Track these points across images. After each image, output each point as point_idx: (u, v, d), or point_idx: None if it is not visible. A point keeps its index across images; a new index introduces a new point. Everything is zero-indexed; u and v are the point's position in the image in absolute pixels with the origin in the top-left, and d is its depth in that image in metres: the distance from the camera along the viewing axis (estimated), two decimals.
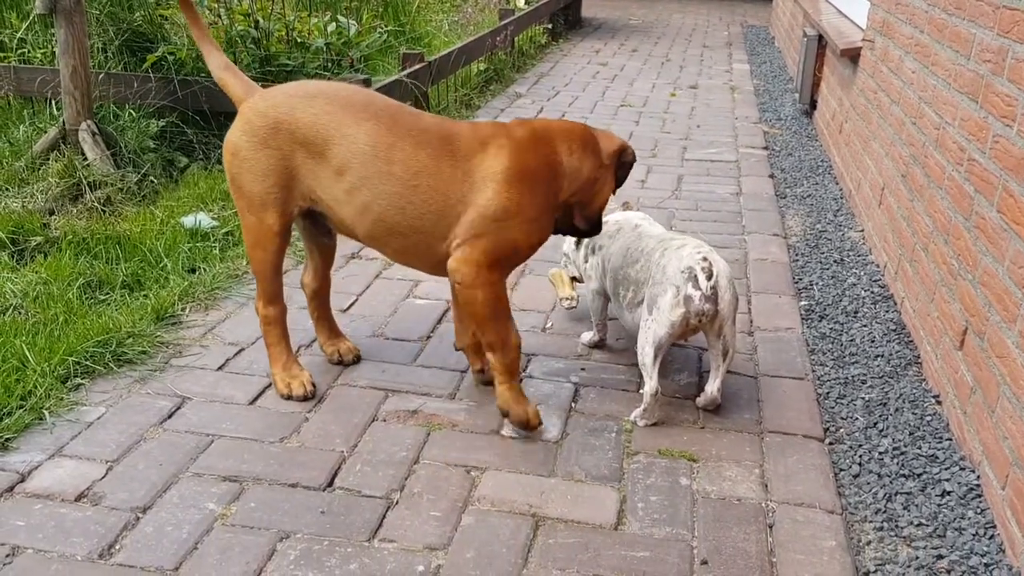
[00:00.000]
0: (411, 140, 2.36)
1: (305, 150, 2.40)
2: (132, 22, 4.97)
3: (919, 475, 2.39)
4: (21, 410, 2.45)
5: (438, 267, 2.48)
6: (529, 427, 2.47)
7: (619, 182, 2.61)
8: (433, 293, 3.35)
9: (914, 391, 2.80)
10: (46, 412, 2.47)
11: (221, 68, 2.58)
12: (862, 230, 4.14)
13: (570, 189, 2.48)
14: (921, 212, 3.17)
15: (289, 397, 2.62)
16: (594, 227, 2.65)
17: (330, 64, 5.19)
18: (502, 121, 2.43)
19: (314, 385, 2.66)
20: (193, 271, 3.39)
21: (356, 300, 3.28)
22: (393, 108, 2.44)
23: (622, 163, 2.58)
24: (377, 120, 2.37)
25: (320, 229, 2.68)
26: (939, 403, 2.73)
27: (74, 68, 4.08)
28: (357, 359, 2.86)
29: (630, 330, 2.75)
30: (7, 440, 2.35)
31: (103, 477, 2.24)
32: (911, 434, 2.58)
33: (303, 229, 2.71)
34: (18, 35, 5.14)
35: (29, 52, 5.13)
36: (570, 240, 3.11)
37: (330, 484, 2.25)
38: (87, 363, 2.70)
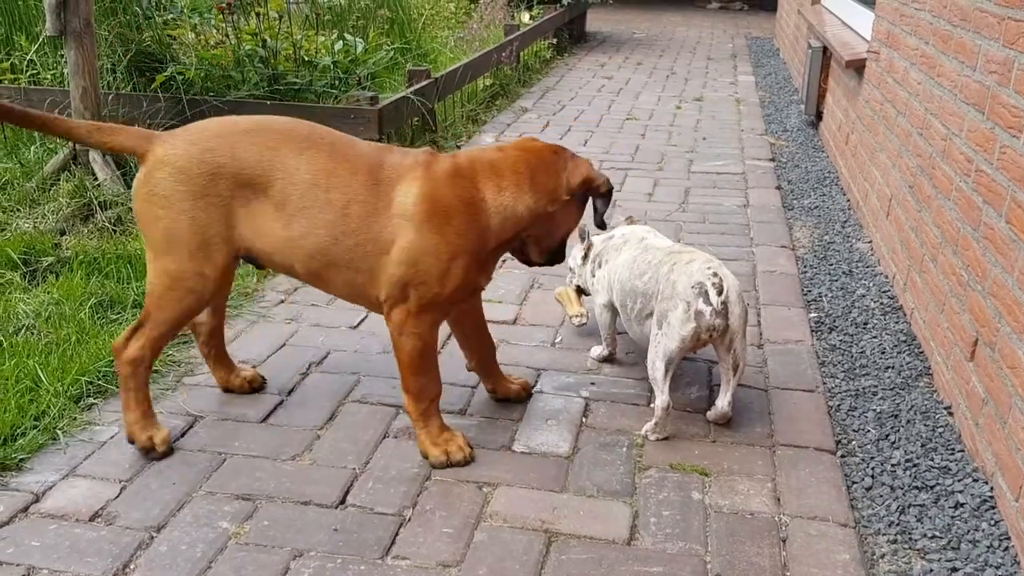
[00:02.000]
0: (348, 166, 2.27)
1: (248, 190, 2.26)
2: (141, 42, 5.01)
3: (932, 487, 2.38)
4: (35, 430, 2.47)
5: (378, 305, 2.37)
6: (451, 464, 2.39)
7: (598, 212, 2.45)
8: None
9: (925, 402, 2.79)
10: (60, 432, 2.49)
11: (94, 132, 2.33)
12: (870, 241, 4.14)
13: (506, 228, 2.32)
14: (929, 223, 3.17)
15: (151, 450, 2.39)
16: (553, 259, 2.52)
17: (337, 82, 5.22)
18: (431, 151, 2.38)
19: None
20: None
21: (366, 317, 3.29)
22: (334, 136, 2.35)
23: (596, 195, 2.41)
24: (317, 148, 2.28)
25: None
26: (951, 414, 2.72)
27: (84, 89, 4.12)
28: (263, 383, 2.78)
29: (639, 342, 2.75)
30: (21, 461, 2.36)
31: (117, 496, 2.25)
32: (923, 446, 2.57)
33: None
34: (28, 57, 5.19)
35: (39, 73, 5.18)
36: (576, 254, 3.12)
37: (342, 501, 2.26)
38: (99, 383, 2.71)
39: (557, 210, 2.37)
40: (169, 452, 2.42)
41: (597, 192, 2.41)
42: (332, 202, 2.25)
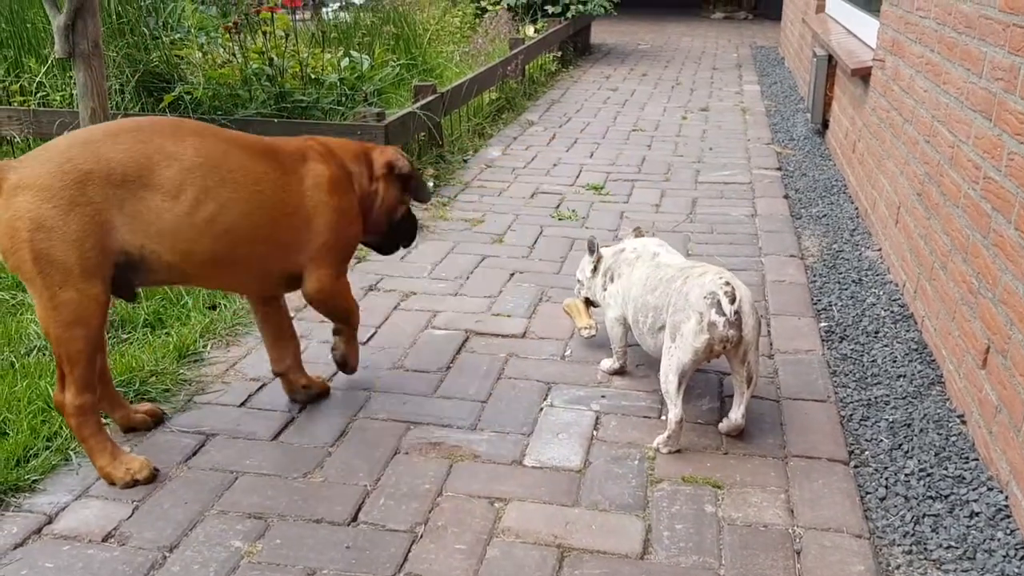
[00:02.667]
0: (241, 150, 2.39)
1: (124, 189, 2.20)
2: (149, 63, 5.06)
3: (946, 496, 2.37)
4: (47, 451, 2.48)
5: (275, 285, 2.60)
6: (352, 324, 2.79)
7: (419, 197, 2.85)
8: (452, 323, 3.37)
9: (938, 411, 2.78)
10: (72, 453, 2.49)
11: None
12: (879, 249, 4.13)
13: (360, 195, 2.69)
14: (938, 230, 3.16)
15: (135, 483, 2.35)
16: (385, 242, 2.91)
17: (344, 99, 5.25)
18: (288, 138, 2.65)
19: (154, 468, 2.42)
20: (214, 308, 3.42)
21: (375, 332, 3.29)
22: (205, 124, 2.43)
23: (401, 176, 2.76)
24: (198, 135, 2.34)
25: (121, 286, 2.33)
26: (964, 423, 2.71)
27: (93, 110, 4.14)
28: (163, 415, 2.70)
29: (652, 354, 2.75)
30: (34, 482, 2.37)
31: (129, 517, 2.25)
32: (937, 455, 2.55)
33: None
34: (37, 79, 5.23)
35: (49, 95, 5.22)
36: (584, 266, 3.12)
37: (354, 519, 2.26)
38: None
39: (376, 188, 2.74)
40: (154, 475, 2.39)
41: (400, 173, 2.76)
42: (236, 180, 2.35)
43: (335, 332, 2.83)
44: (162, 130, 2.31)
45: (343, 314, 2.76)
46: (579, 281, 3.18)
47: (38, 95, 5.20)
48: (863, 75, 4.75)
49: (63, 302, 2.20)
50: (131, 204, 2.22)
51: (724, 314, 2.44)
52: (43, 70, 5.26)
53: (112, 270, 2.25)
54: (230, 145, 2.38)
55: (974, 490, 2.39)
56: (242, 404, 2.80)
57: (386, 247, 2.95)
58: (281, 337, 2.76)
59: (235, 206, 2.34)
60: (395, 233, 2.89)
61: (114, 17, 5.12)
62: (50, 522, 2.23)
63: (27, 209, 2.13)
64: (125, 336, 3.15)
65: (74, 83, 4.33)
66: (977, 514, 2.29)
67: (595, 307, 3.18)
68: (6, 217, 2.14)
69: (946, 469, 2.48)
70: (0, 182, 2.15)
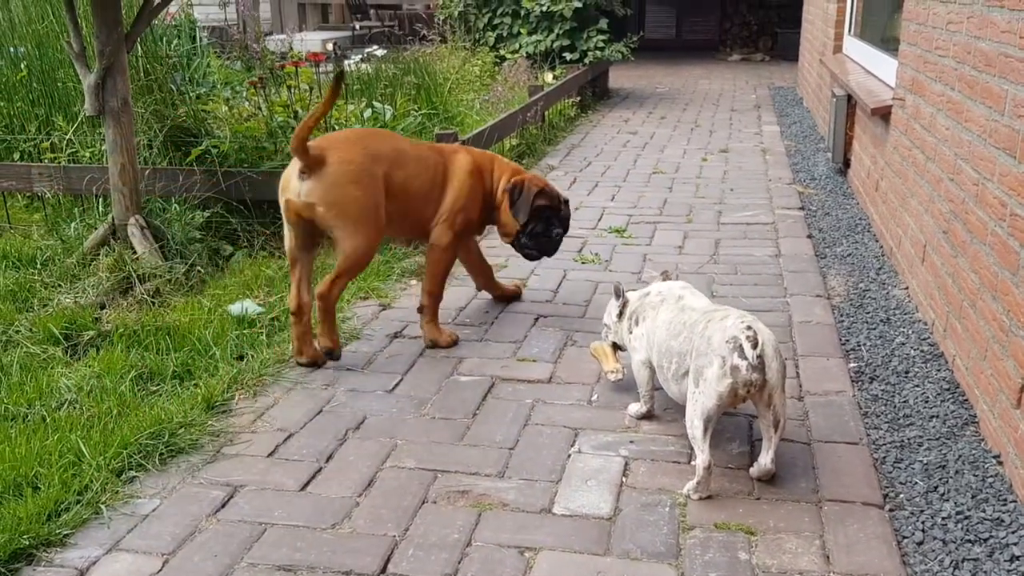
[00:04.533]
0: (419, 145, 3.70)
1: (387, 167, 3.41)
2: (176, 118, 5.15)
3: (985, 540, 2.32)
4: (78, 505, 2.49)
5: (422, 233, 3.66)
6: (440, 345, 3.59)
7: (515, 215, 3.73)
8: (477, 370, 3.36)
9: (973, 452, 2.73)
10: (102, 506, 2.50)
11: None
12: (906, 288, 4.10)
13: (484, 193, 3.76)
14: (966, 268, 3.14)
15: (329, 353, 3.39)
16: (517, 247, 3.86)
17: None
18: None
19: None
20: (241, 358, 3.44)
21: (401, 380, 3.30)
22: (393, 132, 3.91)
23: (515, 200, 3.73)
24: (399, 138, 3.65)
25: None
26: (1000, 463, 2.66)
27: (122, 166, 4.23)
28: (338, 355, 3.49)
29: (677, 400, 2.73)
30: (65, 536, 2.38)
31: (159, 571, 2.25)
32: (973, 497, 2.51)
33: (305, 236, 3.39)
34: (67, 136, 5.34)
35: (78, 151, 5.33)
36: (611, 310, 3.12)
37: (383, 570, 2.24)
38: (140, 455, 2.73)
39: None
40: (325, 360, 3.41)
41: (513, 197, 3.74)
42: (424, 162, 3.57)
43: (419, 310, 3.67)
44: (390, 134, 3.68)
45: (433, 272, 3.63)
46: (606, 325, 3.18)
47: (68, 152, 5.31)
48: (883, 114, 4.75)
49: (362, 245, 3.32)
50: (392, 176, 3.40)
51: (747, 358, 2.42)
52: (72, 127, 5.38)
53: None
54: (418, 144, 3.72)
55: (1013, 533, 2.34)
56: (270, 455, 2.80)
57: (522, 252, 3.86)
58: (478, 264, 4.01)
59: (419, 178, 3.53)
60: (525, 241, 3.78)
61: (142, 74, 5.23)
62: None
63: (345, 172, 3.25)
64: (154, 388, 3.18)
65: (103, 139, 4.43)
66: (1018, 558, 2.24)
67: (622, 351, 3.17)
68: (333, 178, 3.23)
69: (984, 511, 2.44)
70: (328, 156, 3.24)
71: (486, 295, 4.17)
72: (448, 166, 3.62)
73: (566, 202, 3.87)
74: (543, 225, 3.78)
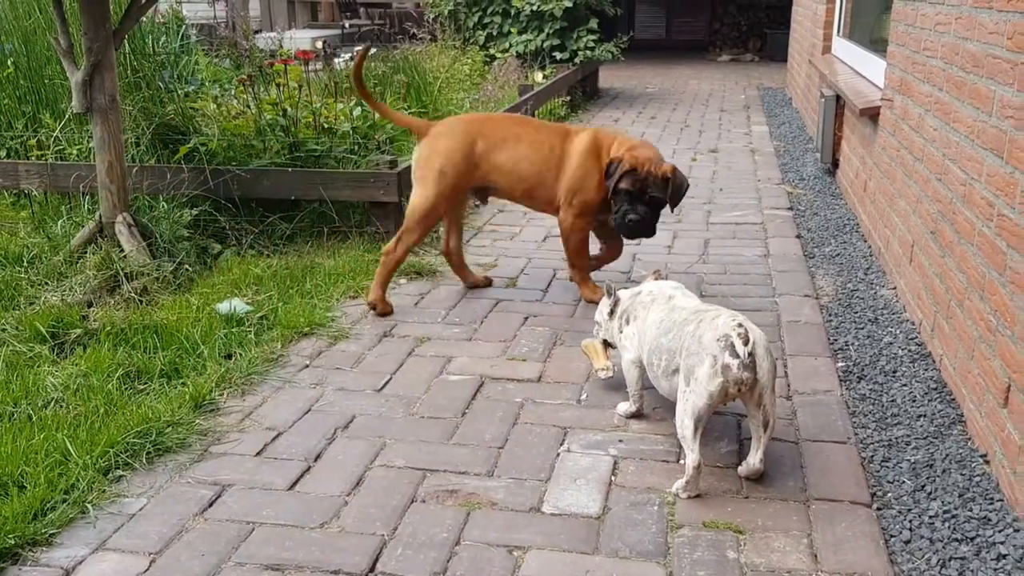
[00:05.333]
0: (539, 128, 4.01)
1: (489, 148, 3.89)
2: (164, 115, 5.13)
3: (972, 539, 2.33)
4: (64, 504, 2.47)
5: (552, 210, 4.01)
6: (595, 300, 3.76)
7: (612, 195, 3.85)
8: (466, 369, 3.36)
9: (960, 451, 2.75)
10: (89, 505, 2.48)
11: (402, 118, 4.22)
12: (894, 288, 4.11)
13: (600, 173, 3.89)
14: (953, 268, 3.15)
15: (373, 307, 3.90)
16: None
17: (357, 147, 5.30)
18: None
19: None
20: (229, 357, 3.42)
21: (390, 379, 3.29)
22: (524, 117, 4.43)
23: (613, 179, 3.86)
24: (519, 123, 4.04)
25: (482, 196, 4.23)
26: (987, 463, 2.67)
27: (110, 163, 4.20)
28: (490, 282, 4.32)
29: (667, 397, 2.73)
30: (51, 536, 2.36)
31: (146, 570, 2.24)
32: (961, 496, 2.52)
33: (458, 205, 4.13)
34: (54, 134, 5.31)
35: (65, 149, 5.30)
36: (603, 308, 3.12)
37: (372, 569, 2.24)
38: (127, 454, 2.72)
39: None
40: (384, 313, 3.90)
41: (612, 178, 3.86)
42: (536, 145, 3.90)
43: (570, 278, 4.14)
44: (514, 121, 4.06)
45: (571, 250, 3.99)
46: (598, 323, 3.18)
47: (55, 149, 5.28)
48: (872, 115, 4.77)
49: (430, 201, 3.84)
50: (491, 157, 3.87)
51: (738, 356, 2.43)
52: (60, 125, 5.34)
53: (470, 188, 3.99)
54: (542, 128, 4.00)
55: (1000, 531, 2.35)
56: (258, 453, 2.79)
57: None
58: (611, 237, 4.18)
59: (528, 160, 3.89)
60: (617, 222, 3.87)
61: (130, 71, 5.20)
62: None
63: (445, 143, 3.85)
64: (142, 387, 3.16)
65: (90, 137, 4.40)
66: (1004, 556, 2.25)
67: (614, 348, 3.17)
68: (431, 148, 3.86)
69: (971, 511, 2.45)
70: (428, 130, 3.90)
71: (476, 294, 4.17)
72: (566, 148, 3.85)
73: (672, 185, 3.82)
74: (626, 206, 3.79)
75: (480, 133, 3.87)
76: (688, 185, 3.99)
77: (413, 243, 3.90)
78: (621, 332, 3.00)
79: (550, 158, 3.85)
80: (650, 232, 3.91)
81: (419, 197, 3.84)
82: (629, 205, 3.79)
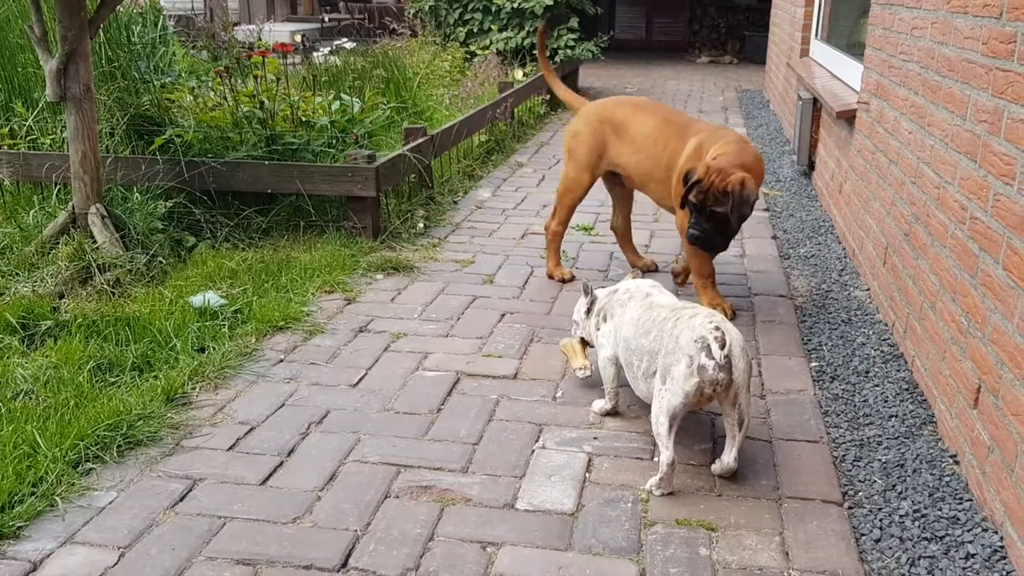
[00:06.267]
0: (666, 123, 3.94)
1: (615, 132, 4.03)
2: (139, 106, 5.07)
3: (941, 538, 2.35)
4: (33, 497, 2.44)
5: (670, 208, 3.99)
6: (724, 313, 3.67)
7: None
8: (442, 365, 3.35)
9: (931, 451, 2.78)
10: (57, 498, 2.45)
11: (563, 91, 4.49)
12: (868, 289, 4.15)
13: None
14: (926, 270, 3.18)
15: (551, 276, 4.29)
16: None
17: (335, 141, 5.27)
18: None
19: None
20: (202, 350, 3.39)
21: (365, 374, 3.27)
22: (663, 107, 4.09)
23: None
24: (655, 113, 4.01)
25: (615, 182, 4.31)
26: (957, 463, 2.70)
27: (84, 153, 4.15)
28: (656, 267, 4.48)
29: (644, 399, 2.74)
30: (19, 528, 2.33)
31: (115, 564, 2.21)
32: (931, 495, 2.54)
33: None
34: (27, 123, 5.24)
35: (38, 138, 5.23)
36: (580, 307, 3.13)
37: (344, 565, 2.22)
38: (98, 447, 2.68)
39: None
40: (563, 279, 4.26)
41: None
42: (653, 140, 3.92)
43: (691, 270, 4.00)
44: (651, 109, 4.04)
45: (687, 254, 3.93)
46: (575, 322, 3.18)
47: (27, 138, 5.21)
48: (848, 117, 4.81)
49: (570, 176, 4.19)
50: (616, 144, 4.03)
51: (714, 358, 2.44)
52: (32, 114, 5.27)
53: (603, 171, 4.17)
54: (666, 120, 3.94)
55: (969, 531, 2.37)
56: (230, 448, 2.77)
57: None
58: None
59: (643, 154, 3.95)
60: (687, 236, 3.75)
61: (105, 61, 5.14)
62: (35, 569, 2.19)
63: (580, 123, 4.14)
64: (113, 379, 3.12)
65: (64, 126, 4.34)
66: (973, 556, 2.28)
67: (591, 347, 3.18)
68: (575, 126, 4.16)
69: (940, 510, 2.47)
70: (581, 108, 4.21)
71: (452, 292, 4.16)
72: (678, 150, 3.80)
73: (733, 200, 3.46)
74: (692, 219, 3.60)
75: (612, 118, 4.01)
76: (755, 199, 3.55)
77: (565, 215, 4.25)
78: (598, 330, 3.00)
79: (661, 158, 3.85)
80: (713, 248, 3.70)
81: (563, 171, 4.23)
82: (695, 219, 3.58)
